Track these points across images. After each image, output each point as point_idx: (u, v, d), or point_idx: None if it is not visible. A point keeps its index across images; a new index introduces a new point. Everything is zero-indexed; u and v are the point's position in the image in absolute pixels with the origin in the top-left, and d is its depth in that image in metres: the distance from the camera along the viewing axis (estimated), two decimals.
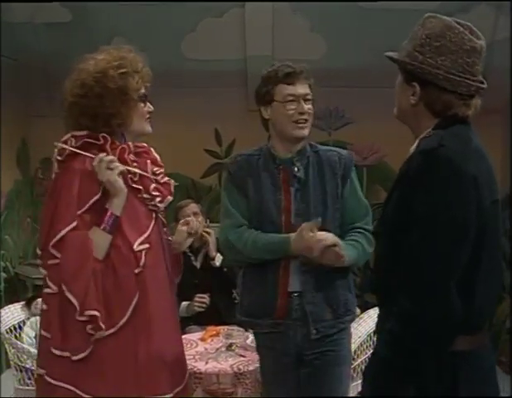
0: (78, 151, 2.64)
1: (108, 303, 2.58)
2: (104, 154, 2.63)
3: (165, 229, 2.93)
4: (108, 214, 2.61)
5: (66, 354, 2.57)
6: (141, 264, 2.63)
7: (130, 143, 2.76)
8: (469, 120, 2.22)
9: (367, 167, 6.75)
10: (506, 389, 5.48)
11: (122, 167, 2.63)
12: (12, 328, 4.57)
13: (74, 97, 2.70)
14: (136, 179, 2.72)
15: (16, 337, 4.55)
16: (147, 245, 2.67)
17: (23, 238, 6.61)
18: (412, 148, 2.23)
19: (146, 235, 2.69)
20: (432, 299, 2.01)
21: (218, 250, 4.79)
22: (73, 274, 2.55)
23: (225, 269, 4.81)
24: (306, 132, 3.14)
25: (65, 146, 2.66)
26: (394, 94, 2.31)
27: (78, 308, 2.52)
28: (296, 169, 3.13)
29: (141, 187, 2.72)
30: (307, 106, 3.12)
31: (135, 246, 2.63)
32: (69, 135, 2.71)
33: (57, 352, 2.57)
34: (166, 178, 2.88)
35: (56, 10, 5.96)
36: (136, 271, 2.63)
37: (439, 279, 2.01)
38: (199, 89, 6.50)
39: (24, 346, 4.37)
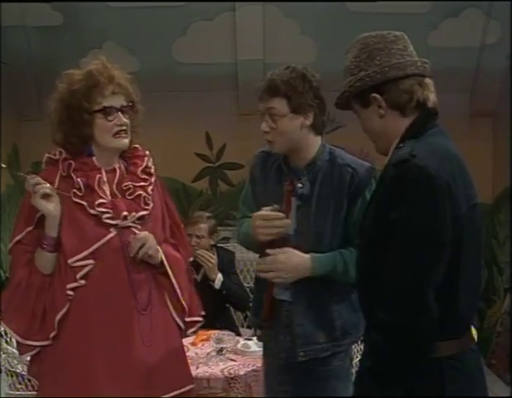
0: (14, 172, 2.83)
1: (45, 315, 2.71)
2: (33, 176, 2.69)
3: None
4: (45, 234, 2.70)
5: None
6: (77, 277, 2.68)
7: (94, 159, 2.77)
8: (436, 113, 2.26)
9: None
10: (497, 391, 5.50)
11: (45, 189, 2.65)
12: (3, 333, 4.55)
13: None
14: (81, 194, 2.72)
15: (7, 342, 4.53)
16: (89, 261, 2.69)
17: None
18: (387, 160, 2.24)
19: (88, 251, 2.69)
20: (410, 309, 2.02)
21: (220, 270, 4.80)
22: (7, 285, 2.78)
23: (224, 292, 4.81)
24: (273, 147, 3.00)
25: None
26: (368, 132, 2.35)
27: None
28: (300, 185, 2.98)
29: (84, 203, 2.71)
30: (267, 124, 2.95)
31: (70, 261, 2.67)
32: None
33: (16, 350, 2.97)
34: (138, 193, 2.82)
35: (47, 13, 5.95)
36: (70, 286, 2.68)
37: (416, 289, 2.02)
38: (190, 92, 6.50)
39: (14, 350, 4.33)
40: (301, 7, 5.93)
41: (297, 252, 2.91)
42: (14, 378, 4.35)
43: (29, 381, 4.26)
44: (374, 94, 2.23)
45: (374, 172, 2.96)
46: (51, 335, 2.70)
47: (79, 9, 5.92)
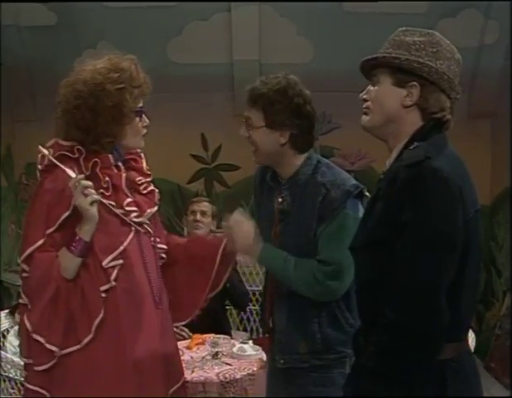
0: (57, 163, 2.57)
1: (74, 320, 2.60)
2: (82, 176, 2.55)
3: (158, 239, 2.85)
4: (77, 238, 2.58)
5: (31, 362, 2.64)
6: (111, 279, 2.61)
7: (110, 156, 2.67)
8: (448, 127, 2.24)
9: (354, 172, 6.72)
10: (495, 393, 5.54)
11: (96, 197, 2.55)
12: None
13: (68, 105, 2.61)
14: (108, 194, 2.65)
15: None
16: (120, 261, 2.63)
17: (8, 244, 6.55)
18: (389, 161, 2.21)
19: (119, 250, 2.64)
20: (422, 311, 2.01)
21: None
22: (33, 294, 2.61)
23: (228, 285, 4.75)
24: (254, 158, 2.96)
25: (45, 152, 2.60)
26: (374, 103, 2.25)
27: (30, 328, 2.57)
28: (280, 200, 2.94)
29: (113, 203, 2.66)
30: (244, 130, 2.94)
31: (104, 263, 2.61)
32: (53, 141, 2.64)
33: (25, 361, 2.65)
34: (151, 188, 2.82)
35: (42, 12, 5.93)
36: (104, 288, 2.60)
37: (429, 292, 2.01)
38: (185, 93, 6.48)
39: (7, 355, 4.30)
40: (298, 7, 5.92)
41: (257, 232, 2.89)
42: (7, 383, 4.30)
43: (22, 385, 4.22)
44: (416, 84, 2.17)
45: (350, 194, 2.82)
46: (86, 339, 2.58)
47: (74, 9, 5.89)
